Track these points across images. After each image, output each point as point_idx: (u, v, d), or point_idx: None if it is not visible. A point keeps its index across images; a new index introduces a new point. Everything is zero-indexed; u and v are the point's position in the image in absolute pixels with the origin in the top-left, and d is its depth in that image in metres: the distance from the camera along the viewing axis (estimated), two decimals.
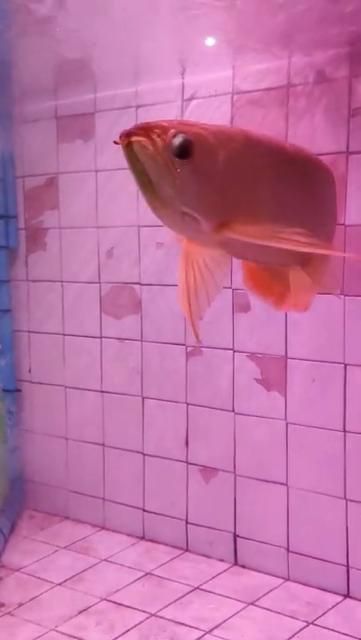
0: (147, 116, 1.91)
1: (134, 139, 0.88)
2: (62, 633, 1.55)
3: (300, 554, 1.74)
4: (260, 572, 1.79)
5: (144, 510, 2.03)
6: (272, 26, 1.54)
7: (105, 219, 2.02)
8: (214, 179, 0.91)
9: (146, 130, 0.89)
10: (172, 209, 0.90)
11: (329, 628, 1.51)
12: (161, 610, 1.63)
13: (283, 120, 1.68)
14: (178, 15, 1.51)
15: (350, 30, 1.52)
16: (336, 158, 1.60)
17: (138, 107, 1.93)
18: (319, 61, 1.61)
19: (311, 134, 1.64)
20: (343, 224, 1.61)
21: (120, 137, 0.90)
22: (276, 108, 1.68)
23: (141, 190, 0.91)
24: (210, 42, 1.65)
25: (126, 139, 0.89)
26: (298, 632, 1.50)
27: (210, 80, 1.78)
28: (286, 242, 0.91)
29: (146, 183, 0.89)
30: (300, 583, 1.71)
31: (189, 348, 1.90)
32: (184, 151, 0.87)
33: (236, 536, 1.85)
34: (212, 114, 1.79)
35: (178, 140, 0.87)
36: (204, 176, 0.90)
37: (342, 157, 1.60)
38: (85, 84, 1.99)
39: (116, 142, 0.89)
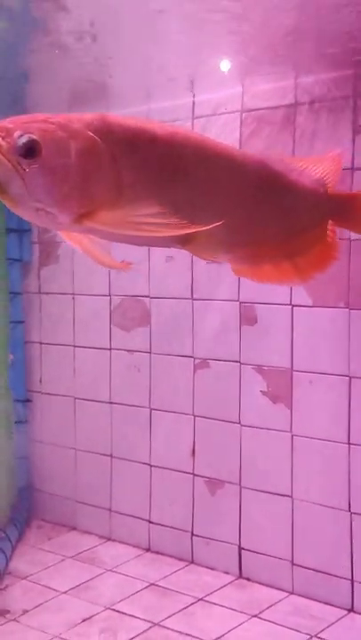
0: None
1: None
2: None
3: (305, 567, 1.74)
4: (264, 584, 1.79)
5: (150, 522, 2.04)
6: (280, 46, 1.59)
7: None
8: (68, 172, 0.89)
9: None
10: (23, 206, 0.89)
11: None
12: (164, 620, 1.64)
13: (290, 137, 1.71)
14: (188, 36, 1.56)
15: (355, 51, 1.56)
16: (343, 174, 1.63)
17: None
18: (325, 81, 1.65)
19: (317, 151, 1.67)
20: (349, 238, 1.64)
21: None
22: (284, 126, 1.72)
23: None
24: (220, 62, 1.70)
25: None
26: None
27: (220, 98, 1.83)
28: (144, 228, 0.89)
29: None
30: (304, 597, 1.71)
31: (197, 361, 1.92)
32: (31, 151, 0.86)
33: (241, 549, 1.86)
34: (221, 131, 1.83)
35: (23, 141, 0.85)
36: (56, 171, 0.88)
37: (348, 174, 1.63)
38: (99, 103, 2.04)
39: None
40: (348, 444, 1.67)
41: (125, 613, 1.68)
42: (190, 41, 1.59)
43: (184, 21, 1.46)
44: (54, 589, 1.81)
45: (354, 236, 1.63)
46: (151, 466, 2.03)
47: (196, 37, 1.56)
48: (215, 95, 1.83)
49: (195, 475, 1.94)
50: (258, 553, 1.82)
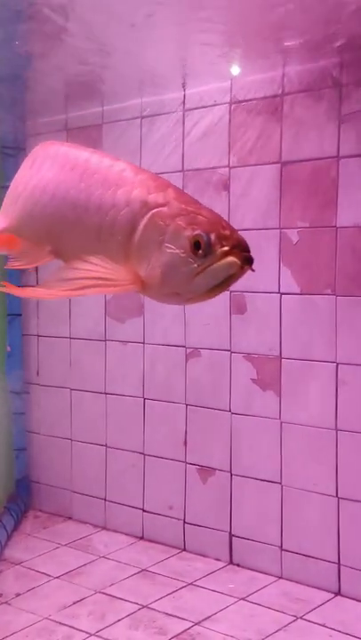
0: (152, 127, 1.99)
1: None
2: (54, 621, 1.59)
3: (294, 552, 1.75)
4: (254, 570, 1.80)
5: (143, 510, 2.06)
6: (268, 38, 1.62)
7: None
8: None
9: None
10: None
11: (317, 623, 1.52)
12: (153, 602, 1.65)
13: (277, 127, 1.74)
14: (179, 31, 1.60)
15: (340, 42, 1.59)
16: (328, 163, 1.66)
17: (143, 118, 2.01)
18: (311, 70, 1.68)
19: (304, 140, 1.70)
20: (335, 226, 1.66)
21: None
22: (271, 116, 1.75)
23: None
24: (208, 54, 1.73)
25: None
26: (285, 626, 1.52)
27: (209, 90, 1.86)
28: None
29: None
30: (292, 581, 1.72)
31: (189, 350, 1.95)
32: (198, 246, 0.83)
33: (231, 535, 1.87)
34: (211, 122, 1.86)
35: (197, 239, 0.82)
36: None
37: (333, 162, 1.65)
38: (94, 98, 2.08)
39: None
40: (336, 430, 1.68)
41: (115, 597, 1.70)
42: (179, 34, 1.62)
43: (173, 15, 1.49)
44: (47, 575, 1.84)
45: (340, 223, 1.65)
46: (144, 455, 2.05)
47: (186, 31, 1.59)
48: (205, 88, 1.87)
49: (187, 463, 1.96)
50: (248, 539, 1.84)
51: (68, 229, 0.88)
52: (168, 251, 0.80)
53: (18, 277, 2.32)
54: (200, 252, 0.78)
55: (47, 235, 0.92)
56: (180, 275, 0.79)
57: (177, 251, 0.79)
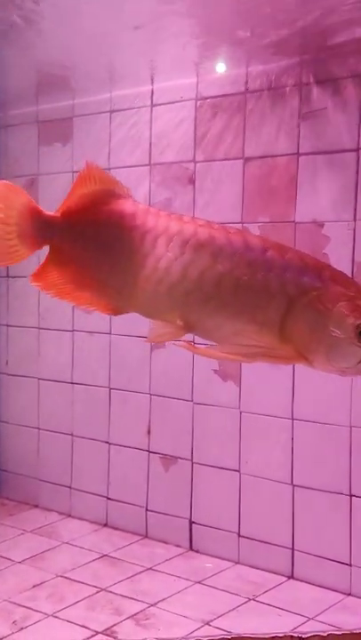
0: (121, 121, 2.03)
1: None
2: (13, 603, 1.62)
3: (250, 538, 1.80)
4: (212, 556, 1.85)
5: (108, 498, 2.10)
6: (232, 37, 1.66)
7: None
8: None
9: None
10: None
11: (268, 604, 1.57)
12: (111, 586, 1.69)
13: (241, 124, 1.79)
14: (147, 27, 1.63)
15: (301, 44, 1.63)
16: (288, 159, 1.71)
17: (112, 112, 2.05)
18: (273, 70, 1.72)
19: (266, 137, 1.75)
20: (293, 221, 1.71)
21: None
22: (235, 113, 1.79)
23: None
24: (177, 50, 1.77)
25: None
26: (237, 607, 1.57)
27: (176, 86, 1.90)
28: None
29: None
30: (248, 566, 1.77)
31: None
32: None
33: (191, 522, 1.92)
34: (177, 118, 1.90)
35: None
36: None
37: (293, 159, 1.70)
38: (64, 91, 2.11)
39: None
40: (292, 419, 1.73)
41: (75, 580, 1.74)
42: (148, 30, 1.65)
43: (142, 10, 1.52)
44: (10, 559, 1.87)
45: (299, 218, 1.70)
46: (109, 444, 2.09)
47: (155, 26, 1.63)
48: (172, 83, 1.90)
49: (150, 452, 2.00)
50: (207, 526, 1.88)
51: (211, 309, 0.87)
52: (333, 335, 0.83)
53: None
54: None
55: (181, 313, 0.90)
56: (347, 357, 0.83)
57: (342, 336, 0.82)
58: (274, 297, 0.85)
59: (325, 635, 0.94)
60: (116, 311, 0.96)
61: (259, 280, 0.85)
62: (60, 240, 0.92)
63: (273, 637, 0.93)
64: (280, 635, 0.94)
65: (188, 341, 0.92)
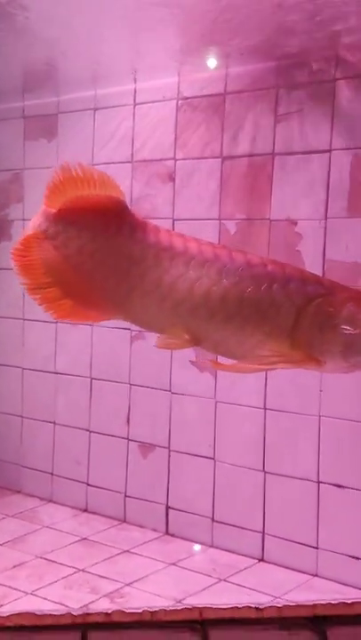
0: (104, 118, 2.09)
1: None
2: None
3: (224, 523, 1.88)
4: (187, 540, 1.92)
5: (88, 484, 2.16)
6: (212, 40, 1.72)
7: None
8: None
9: None
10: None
11: (238, 584, 1.65)
12: (89, 567, 1.76)
13: (219, 124, 1.85)
14: (131, 27, 1.69)
15: (277, 48, 1.70)
16: (264, 159, 1.77)
17: (96, 109, 2.10)
18: (251, 73, 1.79)
19: (243, 137, 1.81)
20: (268, 218, 1.78)
21: None
22: (214, 113, 1.86)
23: None
24: (159, 50, 1.82)
25: None
26: (208, 587, 1.64)
27: (158, 86, 1.96)
28: None
29: None
30: (221, 549, 1.85)
31: (133, 333, 2.05)
32: None
33: (168, 507, 1.99)
34: (159, 117, 1.96)
35: None
36: None
37: (269, 158, 1.77)
38: (50, 88, 2.16)
39: None
40: (264, 409, 1.81)
41: (54, 561, 1.80)
42: (132, 29, 1.71)
43: (125, 9, 1.57)
44: None
45: (273, 216, 1.76)
46: (90, 432, 2.16)
47: (138, 26, 1.68)
48: (155, 83, 1.96)
49: (129, 440, 2.07)
50: (183, 511, 1.96)
51: (218, 323, 0.89)
52: (345, 332, 0.88)
53: None
54: None
55: (188, 328, 0.91)
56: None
57: (356, 331, 0.88)
58: (280, 307, 0.89)
59: (280, 606, 1.01)
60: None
61: (263, 292, 0.89)
62: (52, 236, 0.90)
63: (233, 608, 1.00)
64: (239, 606, 1.00)
65: (213, 360, 0.96)
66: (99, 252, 0.90)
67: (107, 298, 0.92)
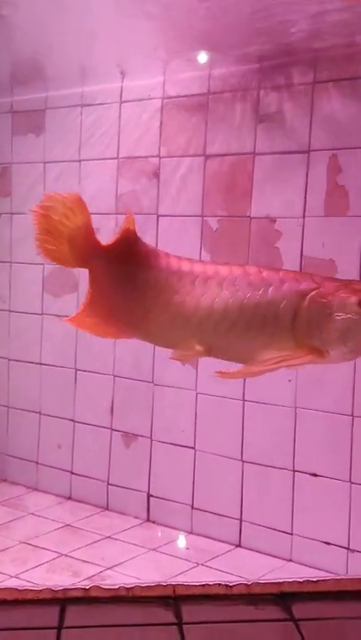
0: (91, 116, 2.13)
1: None
2: None
3: (203, 510, 1.94)
4: (167, 526, 1.98)
5: (72, 473, 2.22)
6: (197, 41, 1.77)
7: None
8: None
9: None
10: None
11: (214, 568, 1.71)
12: (71, 552, 1.82)
13: (203, 123, 1.90)
14: (118, 27, 1.73)
15: (259, 51, 1.75)
16: (245, 158, 1.83)
17: (83, 106, 2.15)
18: (234, 74, 1.84)
19: (226, 136, 1.86)
20: (249, 216, 1.83)
21: None
22: (198, 113, 1.91)
23: None
24: (146, 50, 1.87)
25: None
26: (186, 570, 1.70)
27: (144, 85, 2.00)
28: None
29: None
30: (200, 535, 1.91)
31: None
32: None
33: (149, 495, 2.05)
34: (144, 115, 2.01)
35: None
36: None
37: (250, 157, 1.82)
38: (38, 84, 2.20)
39: None
40: (243, 400, 1.87)
41: (37, 546, 1.86)
42: (119, 28, 1.75)
43: (114, 8, 1.61)
44: None
45: (254, 214, 1.82)
46: (75, 422, 2.21)
47: (125, 25, 1.72)
48: (141, 82, 2.01)
49: (112, 429, 2.13)
50: (164, 499, 2.02)
51: (221, 332, 0.96)
52: (340, 318, 0.94)
53: None
54: None
55: (198, 340, 0.98)
56: (358, 332, 0.95)
57: (348, 315, 0.94)
58: (278, 307, 0.95)
59: (249, 584, 1.07)
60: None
61: (261, 296, 0.95)
62: (97, 267, 1.02)
63: (204, 585, 1.06)
64: (210, 583, 1.06)
65: (218, 372, 1.00)
66: (119, 280, 1.01)
67: (125, 320, 1.03)
